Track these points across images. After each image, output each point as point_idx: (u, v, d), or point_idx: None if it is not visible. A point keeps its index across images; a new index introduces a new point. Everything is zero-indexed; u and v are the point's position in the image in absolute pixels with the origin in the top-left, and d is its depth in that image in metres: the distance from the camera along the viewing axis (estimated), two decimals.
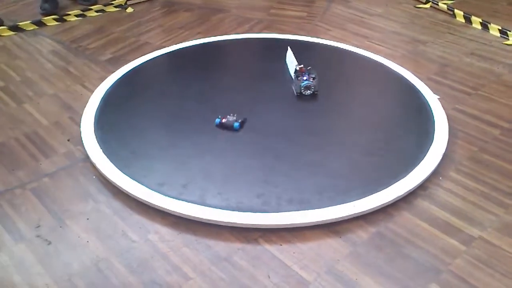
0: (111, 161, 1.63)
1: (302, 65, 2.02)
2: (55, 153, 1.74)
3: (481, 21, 2.66)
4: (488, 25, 2.62)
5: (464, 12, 2.76)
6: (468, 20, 2.72)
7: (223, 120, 1.80)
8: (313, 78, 1.98)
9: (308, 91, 1.97)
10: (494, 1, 3.02)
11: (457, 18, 2.77)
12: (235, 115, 1.82)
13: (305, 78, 1.97)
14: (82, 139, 1.76)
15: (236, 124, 1.78)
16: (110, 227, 1.43)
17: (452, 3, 2.92)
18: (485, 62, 2.32)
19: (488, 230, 1.41)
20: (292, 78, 2.02)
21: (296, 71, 2.02)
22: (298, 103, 1.97)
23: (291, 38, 2.52)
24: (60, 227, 1.43)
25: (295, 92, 2.00)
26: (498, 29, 2.57)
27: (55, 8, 2.86)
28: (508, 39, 2.51)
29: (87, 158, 1.69)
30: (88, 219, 1.46)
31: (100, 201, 1.52)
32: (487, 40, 2.53)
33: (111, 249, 1.36)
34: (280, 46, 2.46)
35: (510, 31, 2.53)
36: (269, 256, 1.33)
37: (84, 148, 1.72)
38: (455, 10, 2.80)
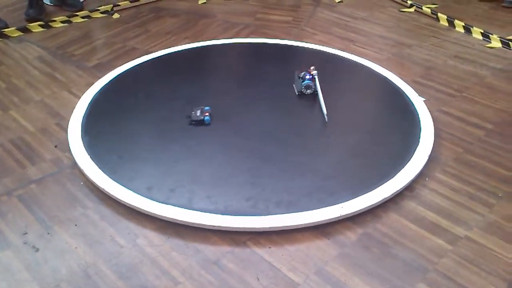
0: (98, 167, 1.62)
1: (311, 69, 2.07)
2: (42, 159, 1.73)
3: (464, 24, 2.71)
4: (471, 28, 2.66)
5: (447, 16, 2.80)
6: (451, 23, 2.77)
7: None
8: (314, 79, 2.03)
9: (309, 91, 2.02)
10: (476, 5, 3.07)
11: (441, 22, 2.82)
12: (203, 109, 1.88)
13: (308, 77, 2.02)
14: (70, 145, 1.75)
15: (207, 118, 1.85)
16: (98, 232, 1.42)
17: (435, 7, 2.97)
18: (469, 64, 2.36)
19: (474, 230, 1.43)
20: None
21: (298, 72, 2.07)
22: (286, 106, 1.98)
23: (277, 43, 2.54)
24: (48, 233, 1.42)
25: (296, 92, 2.05)
26: (481, 32, 2.62)
27: (40, 14, 2.85)
28: (490, 42, 2.55)
29: (74, 164, 1.68)
30: (76, 225, 1.45)
31: (88, 207, 1.51)
32: (470, 43, 2.57)
33: (99, 254, 1.35)
34: (266, 50, 2.48)
35: (492, 35, 2.58)
36: (258, 258, 1.34)
37: (72, 154, 1.71)
38: (439, 14, 2.84)
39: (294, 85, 2.08)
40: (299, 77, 2.04)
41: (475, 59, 2.41)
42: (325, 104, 1.92)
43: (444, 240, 1.39)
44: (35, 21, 2.76)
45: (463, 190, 1.58)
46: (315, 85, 2.02)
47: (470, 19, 2.77)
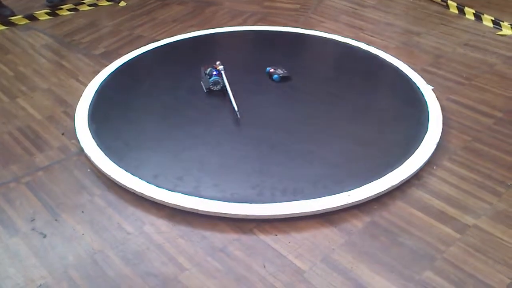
0: (105, 154, 1.63)
1: (216, 64, 2.00)
2: (50, 147, 1.73)
3: (474, 12, 2.67)
4: (481, 16, 2.62)
5: (457, 3, 2.76)
6: (461, 11, 2.73)
7: (271, 70, 2.04)
8: (221, 75, 1.96)
9: (216, 87, 1.96)
10: None
11: (451, 9, 2.78)
12: (283, 70, 2.04)
13: (215, 73, 1.96)
14: (76, 132, 1.75)
15: (275, 76, 1.99)
16: (105, 219, 1.43)
17: None
18: (479, 52, 2.33)
19: (482, 218, 1.42)
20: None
21: (206, 68, 2.00)
22: (293, 94, 1.97)
23: (285, 30, 2.51)
24: (55, 220, 1.43)
25: (204, 89, 1.98)
26: (491, 20, 2.58)
27: (62, 0, 2.85)
28: (501, 30, 2.52)
29: (81, 151, 1.68)
30: (83, 212, 1.46)
31: (95, 194, 1.52)
32: (480, 31, 2.53)
33: (106, 241, 1.36)
34: (274, 38, 2.46)
35: (503, 22, 2.54)
36: (265, 246, 1.34)
37: (79, 142, 1.71)
38: (448, 1, 2.80)
39: (202, 82, 2.01)
40: (206, 74, 1.97)
41: (485, 47, 2.37)
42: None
43: (452, 229, 1.38)
44: (56, 7, 2.77)
45: (471, 178, 1.57)
46: (222, 80, 1.95)
47: (480, 6, 2.73)
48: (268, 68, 2.09)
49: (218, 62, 2.00)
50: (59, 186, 1.55)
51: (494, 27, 2.55)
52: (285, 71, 2.06)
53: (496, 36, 2.47)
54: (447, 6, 2.80)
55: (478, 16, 2.64)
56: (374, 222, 1.41)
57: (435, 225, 1.40)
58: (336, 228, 1.39)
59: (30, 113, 1.92)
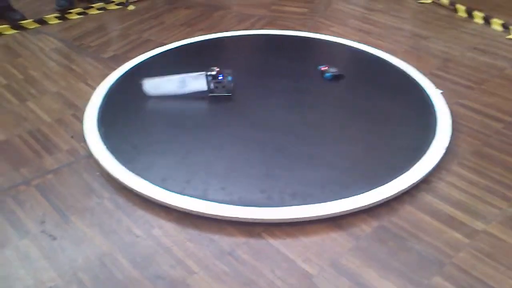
0: (114, 157, 1.64)
1: (219, 69, 1.95)
2: (59, 150, 1.74)
3: (483, 15, 2.66)
4: (490, 19, 2.61)
5: (466, 7, 2.75)
6: (470, 14, 2.72)
7: (323, 68, 2.07)
8: (226, 79, 1.94)
9: (219, 91, 1.94)
10: None
11: (459, 13, 2.77)
12: (336, 69, 2.07)
13: (220, 77, 1.93)
14: (85, 135, 1.77)
15: (328, 75, 2.03)
16: (114, 222, 1.43)
17: None
18: (488, 56, 2.32)
19: (492, 223, 1.41)
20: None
21: (211, 71, 1.95)
22: (300, 97, 1.97)
23: (293, 34, 2.52)
24: (65, 222, 1.44)
25: (209, 89, 1.96)
26: (501, 24, 2.56)
27: (71, 4, 2.88)
28: (511, 34, 2.50)
29: (90, 154, 1.69)
30: (92, 214, 1.46)
31: (104, 197, 1.53)
32: (489, 34, 2.53)
33: (115, 244, 1.36)
34: (281, 42, 2.47)
35: None
36: (273, 250, 1.34)
37: (87, 145, 1.72)
38: (457, 5, 2.80)
39: (206, 83, 1.95)
40: (211, 76, 1.94)
41: (495, 50, 2.36)
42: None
43: (461, 234, 1.38)
44: (66, 11, 2.80)
45: (481, 183, 1.56)
46: (226, 85, 1.93)
47: (489, 10, 2.72)
48: (319, 67, 2.11)
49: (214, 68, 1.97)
50: (69, 189, 1.56)
51: (503, 31, 2.54)
52: (337, 70, 2.08)
53: (505, 40, 2.46)
54: (456, 10, 2.79)
55: (487, 20, 2.63)
56: (382, 226, 1.41)
57: (444, 230, 1.39)
58: (344, 233, 1.39)
59: (40, 116, 1.94)
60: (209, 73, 1.93)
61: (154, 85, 1.96)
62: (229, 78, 1.94)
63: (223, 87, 1.95)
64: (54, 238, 1.38)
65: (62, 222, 1.43)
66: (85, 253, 1.34)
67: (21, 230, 1.41)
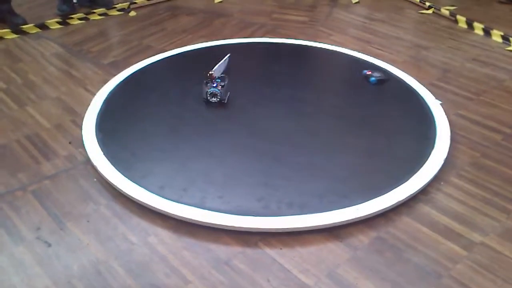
0: (112, 164, 1.63)
1: (213, 72, 1.97)
2: (57, 155, 1.74)
3: (483, 27, 2.66)
4: (490, 31, 2.62)
5: (466, 18, 2.76)
6: (470, 26, 2.73)
7: (368, 73, 2.12)
8: (222, 87, 1.94)
9: (214, 98, 1.94)
10: (496, 7, 3.02)
11: (459, 24, 2.78)
12: (380, 73, 2.12)
13: (214, 85, 1.94)
14: (84, 141, 1.76)
15: (373, 79, 2.08)
16: (110, 229, 1.43)
17: (454, 9, 2.93)
18: (487, 68, 2.32)
19: (490, 236, 1.41)
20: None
21: (207, 77, 1.97)
22: (299, 106, 1.97)
23: (293, 43, 2.52)
24: (61, 229, 1.43)
25: (203, 97, 1.97)
26: (501, 35, 2.57)
27: (73, 10, 2.89)
28: (510, 45, 2.51)
29: (88, 160, 1.69)
30: (88, 221, 1.46)
31: (100, 204, 1.52)
32: (489, 46, 2.53)
33: (111, 251, 1.35)
34: (282, 51, 2.47)
35: None
36: (269, 260, 1.33)
37: (86, 151, 1.72)
38: (457, 16, 2.80)
39: (202, 88, 1.97)
40: (206, 82, 1.95)
41: (494, 62, 2.37)
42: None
43: (459, 246, 1.37)
44: (67, 16, 2.81)
45: (479, 195, 1.55)
46: (221, 93, 1.92)
47: (489, 22, 2.72)
48: (364, 71, 2.14)
49: (223, 75, 1.99)
50: (65, 195, 1.56)
51: (503, 42, 2.55)
52: (382, 74, 2.12)
53: (505, 51, 2.47)
54: (456, 21, 2.80)
55: (487, 31, 2.64)
56: (380, 237, 1.40)
57: (441, 242, 1.38)
58: (342, 243, 1.38)
59: (39, 121, 1.93)
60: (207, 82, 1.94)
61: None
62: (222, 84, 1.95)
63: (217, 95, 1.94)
64: (50, 245, 1.37)
65: (58, 229, 1.43)
66: (80, 260, 1.33)
67: (17, 236, 1.40)
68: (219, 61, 2.08)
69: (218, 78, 1.97)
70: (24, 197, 1.55)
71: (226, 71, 2.15)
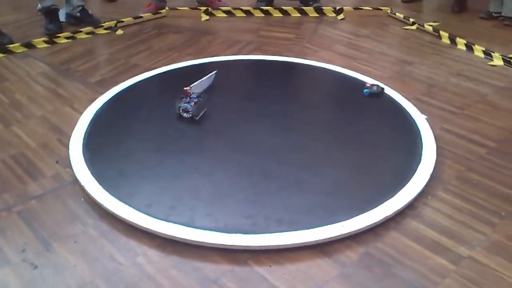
0: (99, 183, 1.62)
1: (189, 88, 1.99)
2: (43, 175, 1.72)
3: (465, 42, 2.72)
4: (473, 46, 2.67)
5: (449, 34, 2.81)
6: (453, 41, 2.78)
7: (368, 85, 2.18)
8: (194, 103, 1.95)
9: (186, 114, 1.95)
10: (477, 23, 3.09)
11: (443, 40, 2.83)
12: (379, 87, 2.17)
13: (187, 100, 1.95)
14: (71, 161, 1.75)
15: (366, 91, 2.14)
16: (98, 249, 1.41)
17: (437, 25, 2.99)
18: (471, 82, 2.36)
19: (477, 249, 1.42)
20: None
21: (183, 92, 1.99)
22: (286, 122, 1.98)
23: (279, 60, 2.55)
24: (47, 250, 1.41)
25: (176, 112, 1.98)
26: (482, 50, 2.62)
27: (60, 29, 2.89)
28: (492, 60, 2.56)
29: (75, 180, 1.68)
30: (75, 242, 1.44)
31: (88, 224, 1.51)
32: (472, 61, 2.58)
33: (98, 272, 1.34)
34: (269, 67, 2.49)
35: (493, 53, 2.58)
36: (258, 277, 1.32)
37: (73, 170, 1.71)
38: (441, 32, 2.86)
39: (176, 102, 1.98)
40: (182, 97, 1.97)
41: (477, 77, 2.41)
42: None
43: (446, 260, 1.38)
44: (55, 35, 2.81)
45: (465, 209, 1.57)
46: (193, 109, 1.94)
47: (471, 37, 2.78)
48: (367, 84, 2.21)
49: (189, 88, 2.00)
50: (52, 216, 1.54)
51: (485, 57, 2.60)
52: (378, 89, 2.18)
53: (487, 66, 2.51)
54: (439, 37, 2.85)
55: (469, 47, 2.69)
56: (368, 253, 1.40)
57: (429, 256, 1.39)
58: (330, 259, 1.38)
59: (25, 141, 1.92)
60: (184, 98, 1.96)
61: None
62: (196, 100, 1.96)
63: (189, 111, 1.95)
64: (35, 267, 1.35)
65: (44, 250, 1.41)
66: (67, 282, 1.31)
67: (1, 258, 1.38)
68: (202, 78, 2.10)
69: (194, 94, 1.99)
70: (9, 218, 1.53)
71: (209, 87, 2.16)
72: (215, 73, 2.23)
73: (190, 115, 1.95)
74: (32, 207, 1.58)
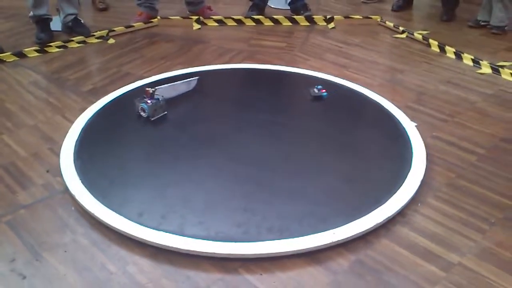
0: (90, 192, 1.61)
1: (151, 89, 2.04)
2: (33, 184, 1.72)
3: (454, 50, 2.75)
4: (462, 54, 2.70)
5: (438, 42, 2.84)
6: (442, 49, 2.81)
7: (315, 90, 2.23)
8: (150, 104, 2.01)
9: (143, 113, 2.03)
10: (466, 32, 3.13)
11: (432, 48, 2.86)
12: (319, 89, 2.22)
13: (143, 100, 2.02)
14: (61, 170, 1.74)
15: (325, 94, 2.21)
16: (88, 259, 1.40)
17: (427, 33, 3.02)
18: (460, 90, 2.38)
19: (467, 256, 1.42)
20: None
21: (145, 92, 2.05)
22: (278, 131, 1.99)
23: (271, 68, 2.56)
24: (36, 260, 1.40)
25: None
26: (471, 59, 2.65)
27: (51, 38, 2.89)
28: (481, 68, 2.59)
29: (66, 189, 1.67)
30: (65, 251, 1.43)
31: (78, 233, 1.50)
32: (461, 69, 2.61)
33: (89, 282, 1.33)
34: (260, 76, 2.50)
35: (482, 61, 2.61)
36: (249, 286, 1.32)
37: (63, 179, 1.70)
38: (430, 40, 2.89)
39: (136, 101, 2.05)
40: (144, 96, 2.03)
41: (466, 84, 2.44)
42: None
43: (437, 267, 1.38)
44: (46, 45, 2.81)
45: (455, 215, 1.58)
46: (149, 109, 2.00)
47: (460, 46, 2.81)
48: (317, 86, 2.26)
49: (150, 89, 2.04)
50: (42, 225, 1.53)
51: (474, 65, 2.63)
52: (318, 92, 2.23)
53: (476, 74, 2.54)
54: (429, 45, 2.88)
55: (458, 55, 2.72)
56: (359, 260, 1.40)
57: (420, 263, 1.39)
58: (321, 267, 1.38)
59: (15, 150, 1.91)
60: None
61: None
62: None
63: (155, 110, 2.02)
64: (24, 277, 1.34)
65: (34, 260, 1.40)
66: None
67: None
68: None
69: (158, 96, 2.04)
70: None
71: (187, 92, 2.23)
72: (197, 79, 2.26)
73: (146, 114, 2.01)
74: (21, 216, 1.57)
